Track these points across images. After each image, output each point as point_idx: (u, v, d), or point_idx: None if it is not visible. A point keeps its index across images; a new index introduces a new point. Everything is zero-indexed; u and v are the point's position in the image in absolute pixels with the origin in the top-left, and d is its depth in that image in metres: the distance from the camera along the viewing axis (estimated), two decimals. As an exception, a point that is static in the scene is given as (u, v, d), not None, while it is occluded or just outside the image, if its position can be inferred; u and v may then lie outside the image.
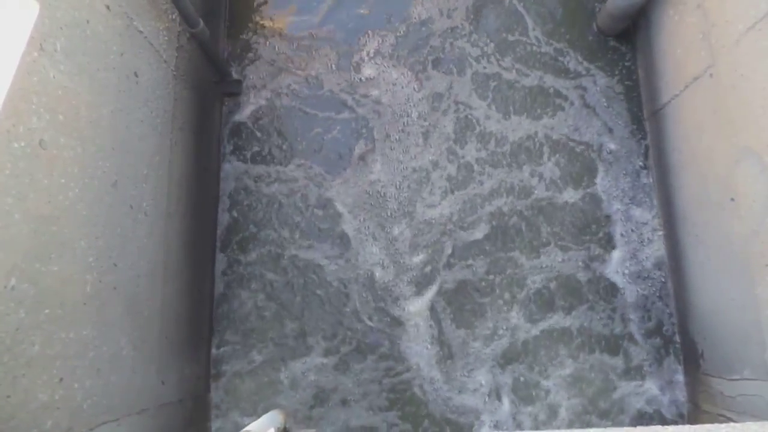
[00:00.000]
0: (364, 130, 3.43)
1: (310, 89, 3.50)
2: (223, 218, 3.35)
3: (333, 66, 3.53)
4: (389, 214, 3.31)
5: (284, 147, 3.43)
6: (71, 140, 1.87)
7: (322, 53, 3.54)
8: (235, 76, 3.51)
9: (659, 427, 1.61)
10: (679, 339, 3.07)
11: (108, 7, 2.14)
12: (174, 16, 2.75)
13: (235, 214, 3.35)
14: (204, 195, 3.18)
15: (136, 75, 2.36)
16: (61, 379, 1.79)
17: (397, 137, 3.41)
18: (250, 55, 3.57)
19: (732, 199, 2.45)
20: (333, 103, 3.47)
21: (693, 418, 2.92)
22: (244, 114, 3.49)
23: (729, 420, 2.55)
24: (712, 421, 2.63)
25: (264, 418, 2.30)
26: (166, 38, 2.67)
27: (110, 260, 2.11)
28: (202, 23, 2.87)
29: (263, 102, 3.50)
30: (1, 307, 1.54)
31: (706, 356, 2.77)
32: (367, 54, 3.52)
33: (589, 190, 3.29)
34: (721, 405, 2.64)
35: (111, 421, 2.09)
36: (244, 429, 2.06)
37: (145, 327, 2.41)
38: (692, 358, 2.92)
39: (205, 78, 3.23)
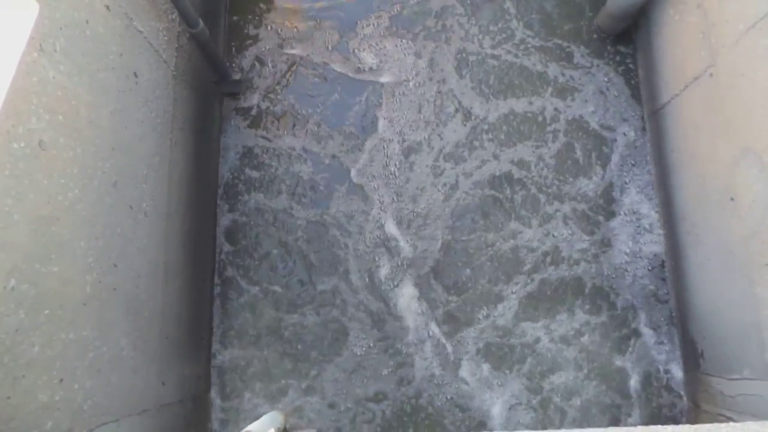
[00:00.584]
0: (369, 119, 3.45)
1: (312, 80, 3.51)
2: (223, 218, 3.35)
3: (334, 52, 3.54)
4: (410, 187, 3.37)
5: (286, 142, 3.43)
6: (71, 141, 1.87)
7: (323, 44, 3.56)
8: (235, 76, 3.50)
9: (659, 427, 1.62)
10: (679, 338, 3.07)
11: (108, 8, 2.14)
12: (173, 17, 2.75)
13: (235, 213, 3.35)
14: (204, 195, 3.18)
15: (135, 75, 2.36)
16: (61, 380, 1.79)
17: (398, 131, 3.42)
18: (251, 53, 3.56)
19: (732, 199, 2.45)
20: (336, 92, 3.49)
21: (693, 418, 2.92)
22: (245, 111, 3.49)
23: (729, 420, 2.55)
24: (712, 421, 2.63)
25: (264, 418, 2.30)
26: (165, 38, 2.67)
27: (110, 261, 2.11)
28: (201, 23, 2.87)
29: (263, 100, 3.49)
30: (0, 308, 1.53)
31: (706, 356, 2.77)
32: (368, 41, 3.54)
33: (595, 180, 3.33)
34: (721, 404, 2.64)
35: (111, 421, 2.09)
36: (245, 429, 2.06)
37: (146, 327, 2.40)
38: (692, 358, 2.92)
39: (204, 78, 3.23)
